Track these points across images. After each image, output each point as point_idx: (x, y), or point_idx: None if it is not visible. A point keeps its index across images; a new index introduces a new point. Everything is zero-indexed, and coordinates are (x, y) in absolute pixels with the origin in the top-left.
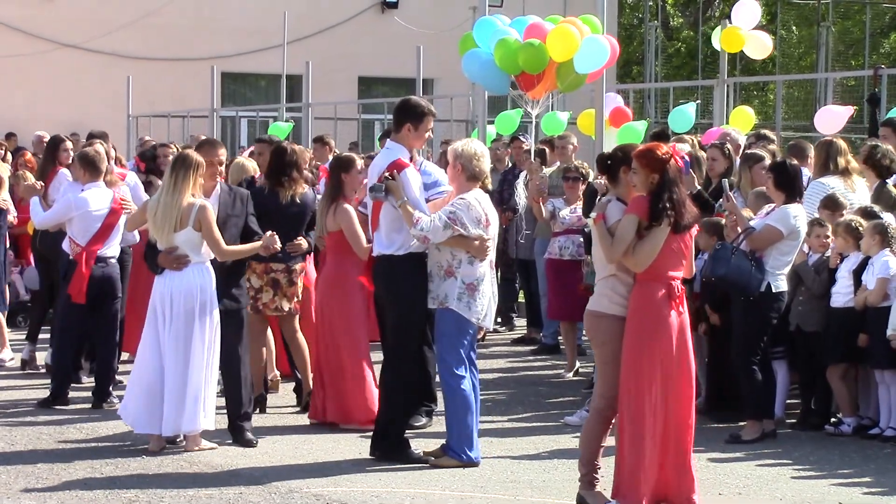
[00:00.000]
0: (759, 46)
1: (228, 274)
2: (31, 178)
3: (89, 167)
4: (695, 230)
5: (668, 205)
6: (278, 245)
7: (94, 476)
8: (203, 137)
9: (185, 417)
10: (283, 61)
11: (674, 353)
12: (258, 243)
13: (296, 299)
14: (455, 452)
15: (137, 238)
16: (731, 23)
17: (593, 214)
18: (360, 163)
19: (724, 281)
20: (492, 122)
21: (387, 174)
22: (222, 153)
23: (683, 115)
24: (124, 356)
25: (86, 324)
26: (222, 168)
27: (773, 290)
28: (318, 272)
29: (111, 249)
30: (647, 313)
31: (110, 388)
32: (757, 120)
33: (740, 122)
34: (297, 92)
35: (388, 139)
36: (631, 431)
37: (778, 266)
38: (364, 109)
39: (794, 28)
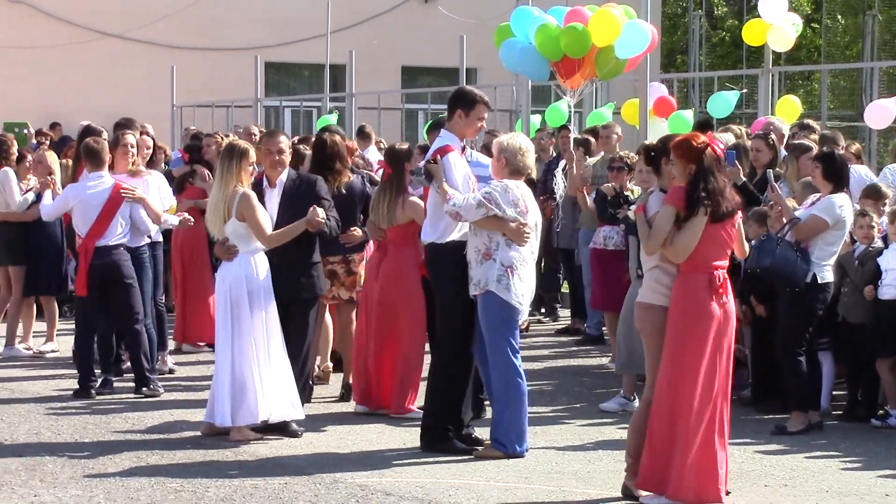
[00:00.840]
0: (782, 39)
1: (296, 264)
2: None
3: (89, 157)
4: (739, 217)
5: (703, 194)
6: (321, 217)
7: (140, 465)
8: (244, 127)
9: (226, 408)
10: (327, 51)
11: (715, 345)
12: (301, 221)
13: (357, 288)
14: (501, 444)
15: (153, 229)
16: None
17: (634, 206)
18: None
19: (769, 272)
20: (536, 113)
21: (430, 159)
22: (282, 141)
23: (723, 101)
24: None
25: (98, 315)
26: (282, 156)
27: (819, 281)
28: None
29: (115, 239)
30: (688, 304)
31: (148, 374)
32: (802, 110)
33: (786, 111)
34: (341, 82)
35: (441, 129)
36: (669, 422)
37: (823, 257)
38: (408, 99)
39: (839, 17)
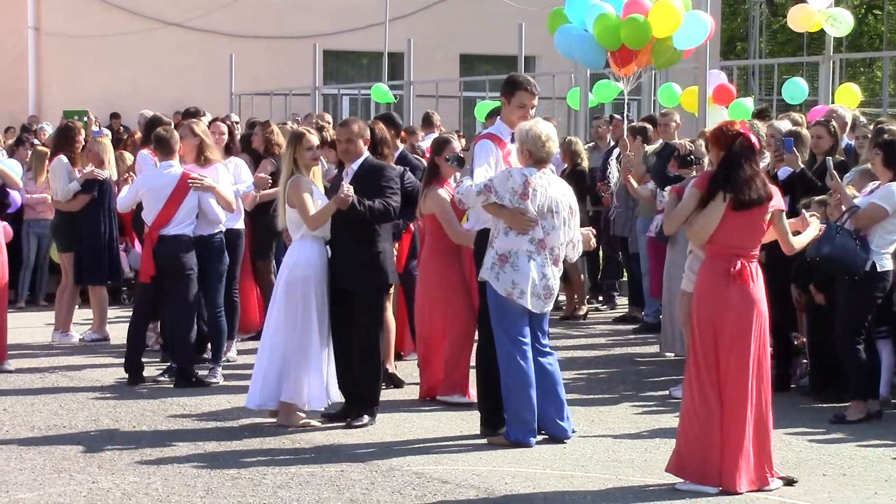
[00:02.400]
0: (839, 26)
1: (356, 254)
2: (129, 158)
3: (159, 146)
4: (776, 211)
5: (722, 179)
6: (350, 193)
7: (197, 453)
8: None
9: (266, 391)
10: (385, 39)
11: (733, 330)
12: (332, 200)
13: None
14: (507, 431)
15: (223, 217)
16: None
17: (669, 188)
18: (455, 144)
19: (828, 260)
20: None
21: (467, 146)
22: (352, 130)
23: (797, 87)
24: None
25: (155, 303)
26: (350, 145)
27: (878, 270)
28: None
29: (179, 228)
30: (707, 291)
31: (190, 368)
32: (863, 97)
33: (846, 99)
34: (399, 70)
35: (496, 118)
36: (696, 411)
37: (883, 245)
38: (466, 87)
39: None
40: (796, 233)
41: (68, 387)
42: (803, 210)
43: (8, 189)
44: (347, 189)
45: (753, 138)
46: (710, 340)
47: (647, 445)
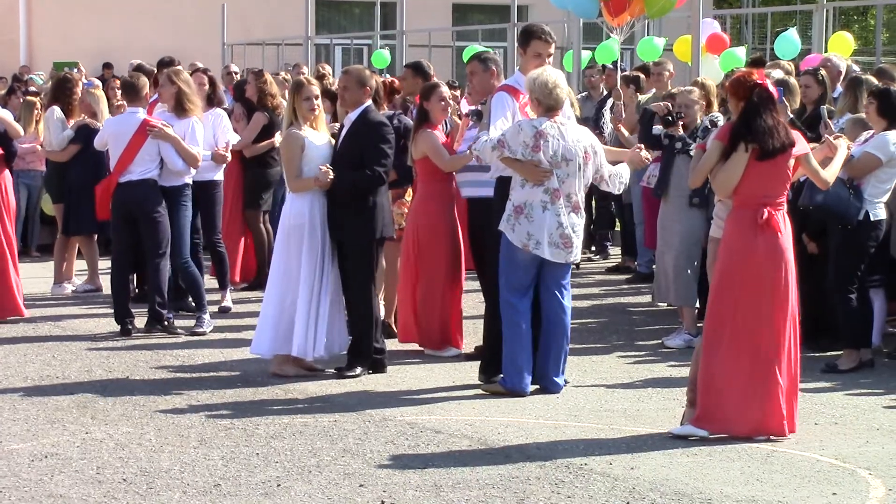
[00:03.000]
0: None
1: (348, 205)
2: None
3: (126, 92)
4: (803, 153)
5: (744, 130)
6: (328, 178)
7: (191, 403)
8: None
9: (264, 338)
10: None
11: (762, 280)
12: (310, 178)
13: (396, 226)
14: (501, 378)
15: (182, 167)
16: None
17: (698, 142)
18: (443, 90)
19: (821, 209)
20: (588, 49)
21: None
22: (354, 75)
23: (789, 42)
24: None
25: (128, 249)
26: (346, 93)
27: (872, 219)
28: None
29: (139, 174)
30: (733, 239)
31: (160, 310)
32: (856, 45)
33: (839, 47)
34: (392, 19)
35: (477, 60)
36: (710, 358)
37: (876, 194)
38: (458, 37)
39: None
40: (827, 161)
41: (62, 337)
42: (826, 136)
43: (11, 137)
44: (325, 168)
45: (772, 87)
46: (737, 290)
47: (640, 395)
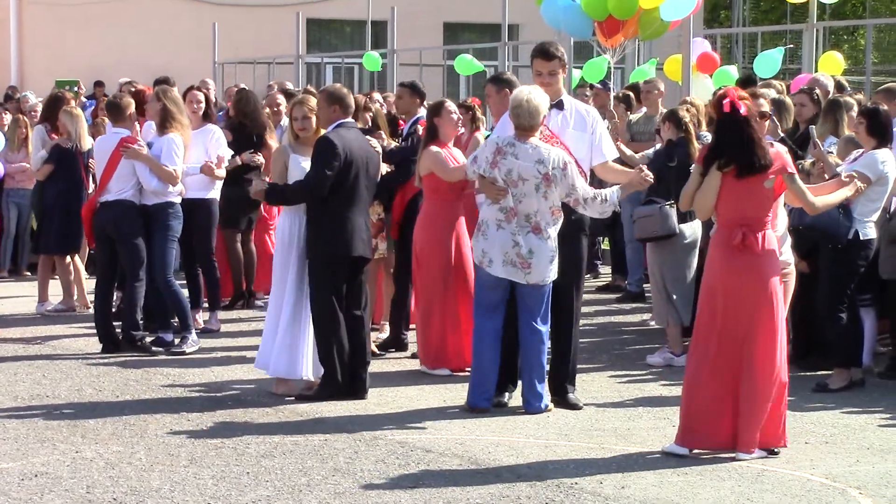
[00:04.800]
0: None
1: (309, 223)
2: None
3: (109, 111)
4: (777, 173)
5: (715, 150)
6: (261, 186)
7: (181, 422)
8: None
9: (265, 355)
10: (368, 7)
11: (743, 300)
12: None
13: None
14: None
15: (155, 185)
16: None
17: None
18: (450, 105)
19: (811, 228)
20: (577, 68)
21: None
22: (320, 95)
23: (769, 60)
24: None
25: (109, 268)
26: (307, 122)
27: (861, 238)
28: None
29: (115, 195)
30: (714, 259)
31: (132, 332)
32: (846, 65)
33: (829, 67)
34: (383, 38)
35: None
36: (689, 374)
37: (866, 213)
38: (449, 56)
39: None
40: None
41: (52, 356)
42: (842, 173)
43: None
44: (257, 182)
45: (740, 104)
46: (718, 309)
47: (630, 414)
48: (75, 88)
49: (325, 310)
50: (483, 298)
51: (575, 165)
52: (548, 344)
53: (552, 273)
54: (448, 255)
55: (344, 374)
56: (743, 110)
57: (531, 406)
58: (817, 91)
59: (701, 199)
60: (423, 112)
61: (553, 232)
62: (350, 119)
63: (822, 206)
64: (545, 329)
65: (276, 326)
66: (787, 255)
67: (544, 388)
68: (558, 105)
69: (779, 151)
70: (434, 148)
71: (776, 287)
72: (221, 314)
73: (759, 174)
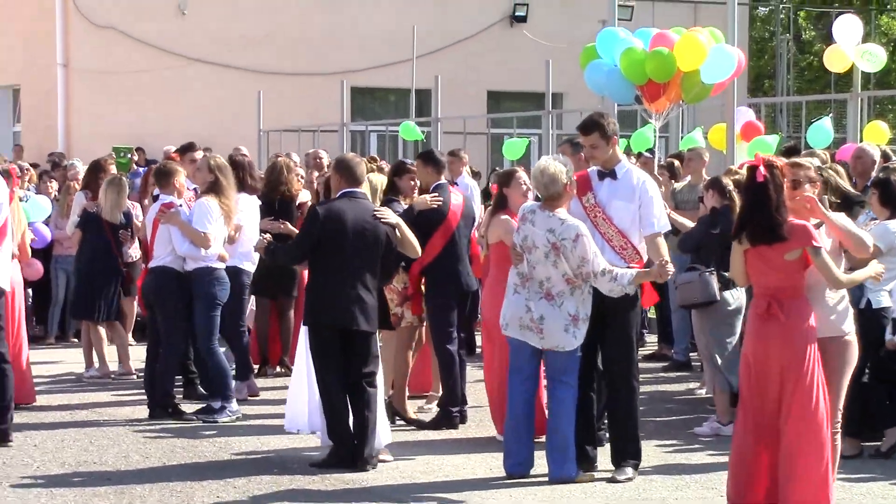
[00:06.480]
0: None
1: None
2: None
3: (157, 178)
4: (816, 246)
5: (737, 221)
6: (263, 244)
7: (227, 489)
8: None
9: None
10: (413, 75)
11: (777, 368)
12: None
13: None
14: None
15: (189, 251)
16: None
17: None
18: (521, 175)
19: None
20: (622, 137)
21: None
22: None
23: (821, 131)
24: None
25: (156, 335)
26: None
27: (874, 307)
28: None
29: (159, 260)
30: (750, 328)
31: (166, 398)
32: (892, 135)
33: (874, 136)
34: (427, 106)
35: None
36: (735, 442)
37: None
38: (493, 124)
39: None
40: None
41: (98, 422)
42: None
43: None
44: (259, 240)
45: (762, 170)
46: (755, 377)
47: (678, 483)
48: (129, 155)
49: (319, 377)
50: (513, 361)
51: (589, 239)
52: (570, 410)
53: (570, 340)
54: None
55: (347, 444)
56: (759, 177)
57: (551, 474)
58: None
59: (732, 266)
60: (443, 180)
61: (569, 300)
62: (358, 189)
63: (847, 283)
64: (568, 395)
65: (302, 386)
66: (845, 324)
67: (567, 456)
68: (611, 174)
69: (805, 225)
70: (504, 216)
71: (808, 354)
72: (264, 381)
73: (777, 244)
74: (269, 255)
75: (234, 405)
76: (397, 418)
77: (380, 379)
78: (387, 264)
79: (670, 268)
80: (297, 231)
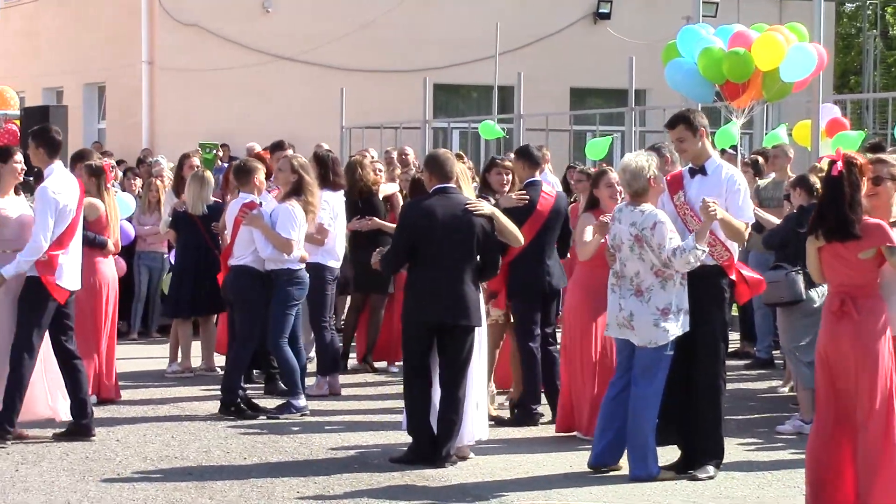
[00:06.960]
0: None
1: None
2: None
3: (236, 176)
4: (871, 245)
5: (813, 218)
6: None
7: (308, 485)
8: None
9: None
10: (495, 72)
11: (851, 364)
12: None
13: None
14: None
15: (268, 252)
16: None
17: None
18: (611, 175)
19: None
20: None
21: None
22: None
23: None
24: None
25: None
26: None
27: None
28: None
29: (239, 259)
30: (824, 324)
31: (230, 395)
32: None
33: None
34: (509, 103)
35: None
36: (811, 440)
37: None
38: (576, 121)
39: None
40: None
41: (180, 417)
42: None
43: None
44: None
45: (838, 165)
46: (830, 374)
47: (760, 482)
48: (214, 151)
49: (405, 370)
50: (617, 360)
51: (666, 225)
52: (653, 408)
53: (661, 335)
54: (590, 322)
55: (425, 440)
56: (834, 171)
57: (632, 472)
58: None
59: (808, 262)
60: (538, 176)
61: (658, 294)
62: (450, 184)
63: None
64: (650, 392)
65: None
66: None
67: (649, 454)
68: (701, 171)
69: (881, 224)
70: (587, 215)
71: (880, 351)
72: (346, 378)
73: (851, 242)
74: (384, 265)
75: (300, 401)
76: None
77: (483, 372)
78: (490, 256)
79: (711, 204)
80: (386, 223)
